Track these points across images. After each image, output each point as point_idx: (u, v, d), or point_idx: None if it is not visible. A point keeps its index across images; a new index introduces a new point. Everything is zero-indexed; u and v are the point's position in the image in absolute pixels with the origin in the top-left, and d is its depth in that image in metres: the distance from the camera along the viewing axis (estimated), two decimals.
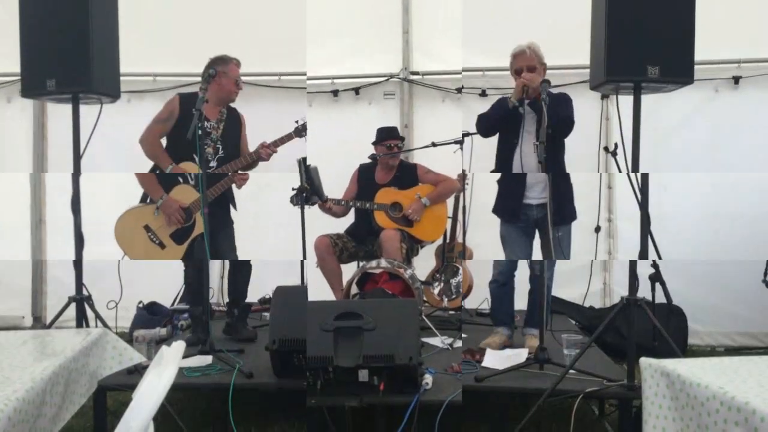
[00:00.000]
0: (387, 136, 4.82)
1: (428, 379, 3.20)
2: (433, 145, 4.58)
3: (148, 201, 4.10)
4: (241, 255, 4.24)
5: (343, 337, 3.05)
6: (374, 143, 4.84)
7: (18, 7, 3.41)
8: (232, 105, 4.23)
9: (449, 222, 4.86)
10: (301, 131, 4.21)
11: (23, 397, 1.80)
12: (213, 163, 4.05)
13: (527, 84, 3.56)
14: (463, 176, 4.66)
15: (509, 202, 3.86)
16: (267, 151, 4.08)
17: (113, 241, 4.12)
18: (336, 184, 4.94)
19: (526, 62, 3.73)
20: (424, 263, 5.11)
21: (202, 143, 3.94)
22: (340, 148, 5.12)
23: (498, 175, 3.94)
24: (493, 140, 3.98)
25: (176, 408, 3.20)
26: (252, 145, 4.21)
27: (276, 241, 5.18)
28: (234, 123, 4.21)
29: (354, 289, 4.30)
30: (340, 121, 5.16)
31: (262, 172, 4.39)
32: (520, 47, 3.78)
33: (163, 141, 4.10)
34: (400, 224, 4.68)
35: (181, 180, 4.04)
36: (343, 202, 4.72)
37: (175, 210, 3.99)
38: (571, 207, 3.85)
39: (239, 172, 4.07)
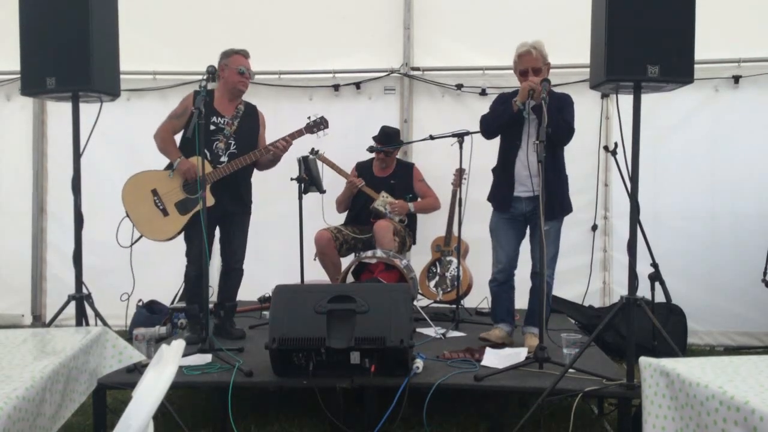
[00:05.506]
0: (382, 141, 4.95)
1: (419, 363, 3.24)
2: (431, 138, 4.62)
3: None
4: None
5: (335, 320, 3.09)
6: (375, 138, 4.99)
7: (18, 5, 3.41)
8: (251, 103, 4.25)
9: (446, 216, 4.98)
10: (312, 127, 4.21)
11: (23, 395, 1.79)
12: (224, 158, 4.04)
13: (533, 87, 3.49)
14: (460, 172, 4.69)
15: (500, 192, 3.87)
16: (283, 143, 4.07)
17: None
18: (335, 177, 5.01)
19: (532, 63, 3.67)
20: (419, 257, 5.14)
21: (210, 139, 3.99)
22: (340, 142, 5.14)
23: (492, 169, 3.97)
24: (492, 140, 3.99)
25: (176, 406, 3.20)
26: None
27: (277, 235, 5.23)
28: (251, 120, 4.19)
29: (350, 279, 4.36)
30: (340, 115, 5.16)
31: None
32: (525, 47, 3.71)
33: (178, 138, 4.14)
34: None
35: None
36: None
37: (191, 166, 3.96)
38: (561, 203, 3.80)
39: (282, 140, 4.07)
